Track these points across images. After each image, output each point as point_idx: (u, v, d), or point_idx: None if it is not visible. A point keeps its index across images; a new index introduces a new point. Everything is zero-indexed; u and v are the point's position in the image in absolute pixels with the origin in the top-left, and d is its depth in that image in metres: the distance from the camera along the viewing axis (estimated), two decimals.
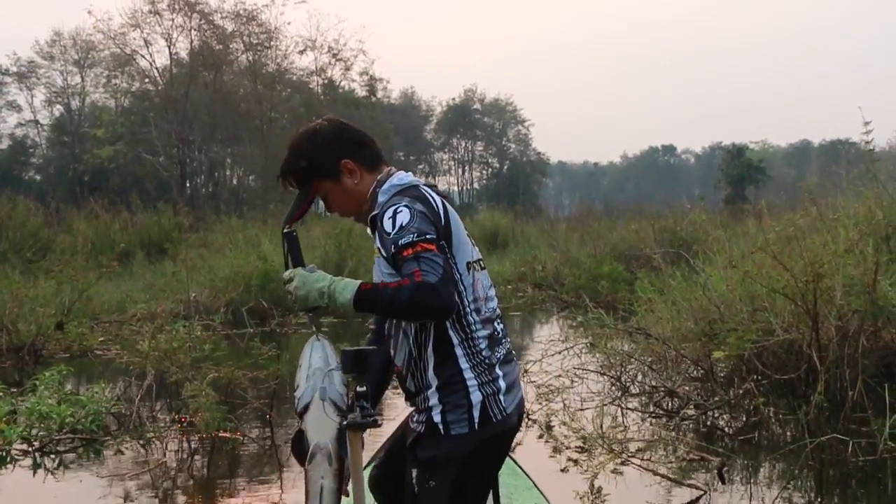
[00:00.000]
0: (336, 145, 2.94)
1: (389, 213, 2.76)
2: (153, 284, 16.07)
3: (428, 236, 2.68)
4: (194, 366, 7.90)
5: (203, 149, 46.03)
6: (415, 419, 2.81)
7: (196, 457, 7.05)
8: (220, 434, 7.21)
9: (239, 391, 7.96)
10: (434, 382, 2.75)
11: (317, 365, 2.47)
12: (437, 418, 2.75)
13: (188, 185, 46.15)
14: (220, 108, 44.14)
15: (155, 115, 43.36)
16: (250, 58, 45.99)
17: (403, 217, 2.73)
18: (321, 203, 2.98)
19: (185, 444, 7.26)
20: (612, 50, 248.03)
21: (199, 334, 9.65)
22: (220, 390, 7.74)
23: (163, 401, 8.48)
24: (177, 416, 7.71)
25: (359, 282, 2.68)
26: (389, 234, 2.71)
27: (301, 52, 47.65)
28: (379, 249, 2.77)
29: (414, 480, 2.74)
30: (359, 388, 2.38)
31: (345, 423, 2.35)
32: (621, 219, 25.51)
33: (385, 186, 2.89)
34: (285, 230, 2.92)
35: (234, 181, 52.31)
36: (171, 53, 44.78)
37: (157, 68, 45.10)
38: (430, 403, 2.75)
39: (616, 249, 20.26)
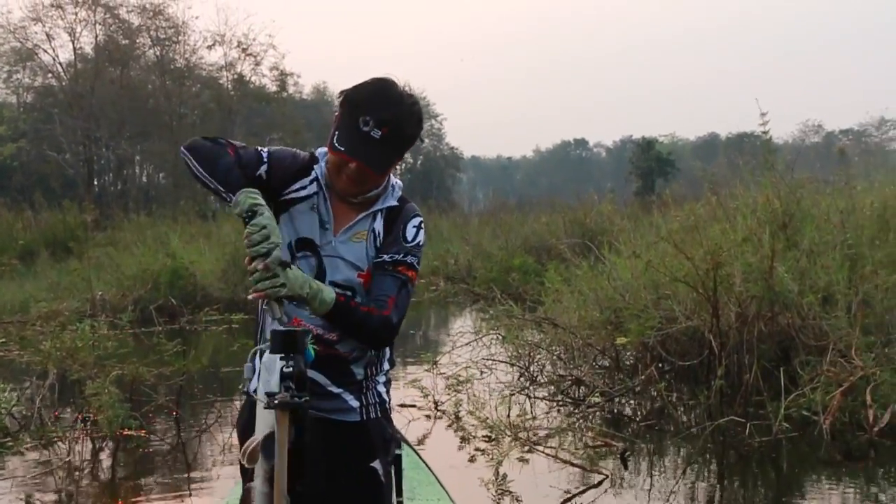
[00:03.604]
0: None
1: (417, 222, 2.67)
2: (58, 284, 15.69)
3: (419, 266, 2.67)
4: (97, 364, 7.73)
5: (111, 146, 44.99)
6: (352, 407, 2.65)
7: (101, 456, 6.91)
8: (125, 433, 7.08)
9: (144, 389, 7.83)
10: (386, 367, 2.74)
11: (265, 359, 2.42)
12: (387, 400, 2.74)
13: (96, 182, 45.10)
14: (127, 105, 43.17)
15: (59, 111, 42.27)
16: (158, 53, 45.15)
17: (423, 237, 2.68)
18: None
19: (90, 444, 7.11)
20: (524, 44, 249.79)
21: (105, 332, 9.46)
22: (125, 388, 7.61)
23: (66, 400, 8.30)
24: (80, 416, 7.53)
25: (333, 290, 2.52)
26: (409, 242, 2.62)
27: (210, 47, 46.94)
28: (376, 239, 2.62)
29: (381, 473, 2.67)
30: (285, 369, 2.34)
31: (275, 402, 2.31)
32: (533, 212, 25.79)
33: (394, 180, 2.72)
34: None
35: (144, 178, 51.27)
36: (74, 48, 43.68)
37: (60, 63, 43.96)
38: (379, 388, 2.70)
39: (527, 242, 20.49)
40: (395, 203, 2.66)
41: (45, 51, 43.43)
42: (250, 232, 2.36)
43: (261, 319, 2.69)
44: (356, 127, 2.45)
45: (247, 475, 2.63)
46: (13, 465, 6.74)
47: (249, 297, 2.44)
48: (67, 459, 6.78)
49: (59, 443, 7.13)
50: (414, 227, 2.65)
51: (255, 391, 2.56)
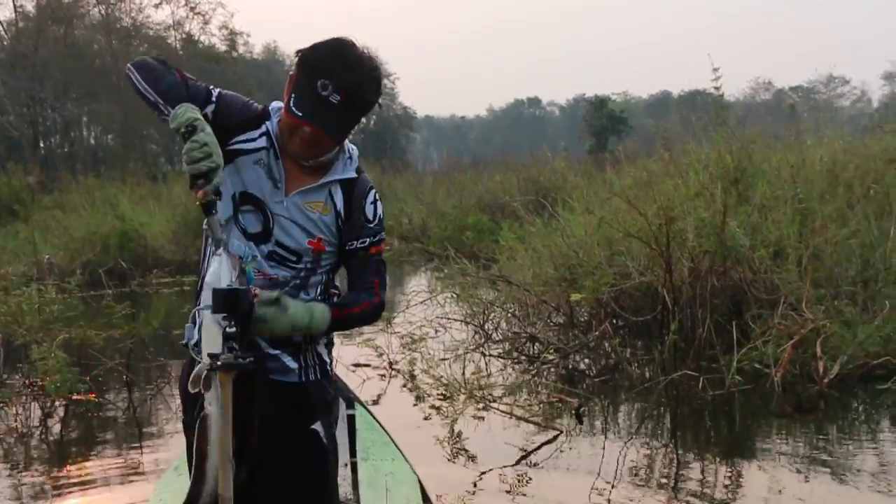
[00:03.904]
0: None
1: (373, 196, 2.59)
2: (3, 248, 15.37)
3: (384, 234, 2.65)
4: (44, 328, 7.57)
5: (56, 107, 44.05)
6: (291, 368, 2.57)
7: (49, 422, 6.78)
8: (74, 397, 6.95)
9: (93, 352, 7.69)
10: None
11: (208, 280, 2.30)
12: (328, 361, 2.66)
13: (42, 145, 44.18)
14: (72, 65, 42.28)
15: (2, 71, 41.25)
16: (103, 11, 44.17)
17: (381, 207, 2.62)
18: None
19: (37, 410, 6.97)
20: (477, 1, 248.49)
21: (53, 296, 9.27)
22: (73, 352, 7.47)
23: (12, 366, 8.13)
24: (27, 381, 7.39)
25: (327, 309, 2.47)
26: (371, 221, 2.57)
27: (157, 6, 45.86)
28: (338, 217, 2.52)
29: (322, 435, 2.59)
30: (228, 329, 2.24)
31: (218, 363, 2.22)
32: (487, 171, 25.73)
33: (349, 146, 2.60)
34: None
35: (92, 140, 50.32)
36: (15, 6, 42.49)
37: (0, 22, 42.89)
38: (319, 349, 2.62)
39: (481, 201, 20.45)
40: (353, 175, 2.57)
41: None
42: (190, 148, 2.23)
43: (202, 274, 2.59)
44: (314, 90, 2.35)
45: (191, 415, 2.57)
46: None
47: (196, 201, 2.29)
48: (14, 425, 6.65)
49: (6, 408, 6.98)
50: (371, 203, 2.57)
51: (195, 345, 2.49)
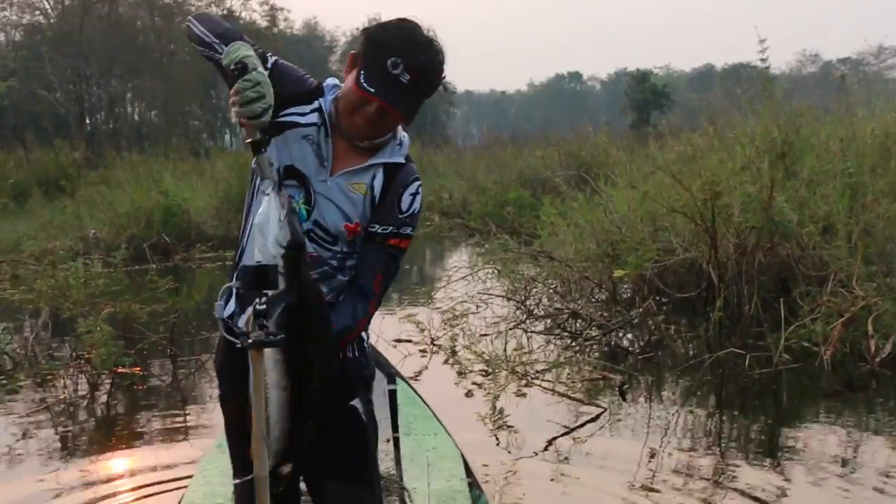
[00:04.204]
0: None
1: (415, 188, 2.51)
2: (50, 222, 15.52)
3: (414, 232, 2.55)
4: (89, 302, 7.62)
5: (101, 84, 44.46)
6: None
7: (96, 394, 6.83)
8: (119, 370, 7.00)
9: (137, 326, 7.73)
10: None
11: (256, 221, 2.23)
12: (365, 338, 2.64)
13: (87, 121, 44.61)
14: (116, 42, 42.60)
15: (48, 49, 41.63)
16: None
17: (419, 203, 2.54)
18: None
19: (84, 382, 7.02)
20: None
21: (99, 270, 9.34)
22: (118, 326, 7.51)
23: (60, 339, 8.21)
24: (74, 354, 7.45)
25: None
26: (403, 212, 2.48)
27: None
28: (374, 199, 2.46)
29: (361, 411, 2.58)
30: (258, 306, 2.20)
31: (248, 341, 2.18)
32: (528, 146, 25.54)
33: (402, 134, 2.56)
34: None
35: (136, 116, 50.73)
36: None
37: (47, 0, 43.23)
38: None
39: (522, 176, 20.29)
40: (401, 160, 2.51)
41: None
42: (243, 87, 2.16)
43: (239, 247, 2.54)
44: (384, 69, 2.30)
45: (227, 390, 2.58)
46: (9, 404, 6.67)
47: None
48: (62, 397, 6.71)
49: (54, 381, 7.05)
50: (411, 194, 2.50)
51: (227, 318, 2.45)
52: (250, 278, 2.17)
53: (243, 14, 46.05)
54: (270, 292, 2.15)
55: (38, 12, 44.15)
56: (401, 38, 2.33)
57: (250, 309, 2.14)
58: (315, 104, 2.45)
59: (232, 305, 2.46)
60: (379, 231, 2.46)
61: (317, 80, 2.52)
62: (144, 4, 44.35)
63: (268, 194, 2.20)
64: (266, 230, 2.16)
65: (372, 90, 2.30)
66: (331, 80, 2.51)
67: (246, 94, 2.15)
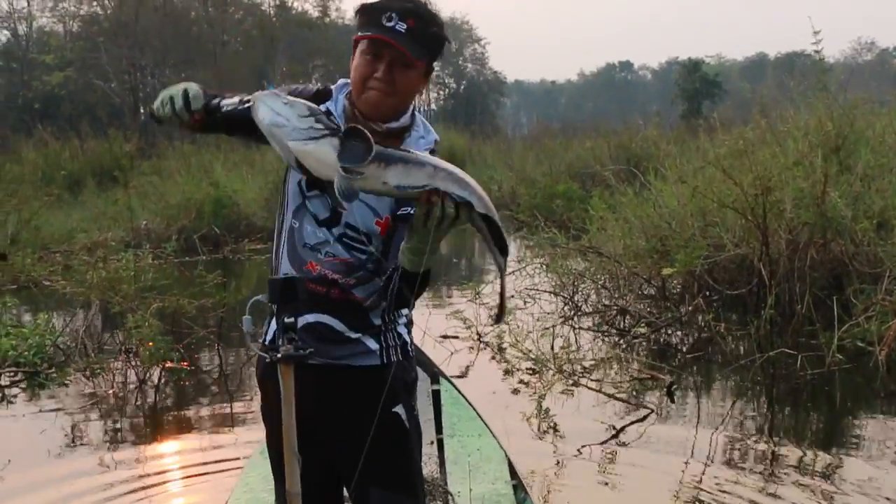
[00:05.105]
0: None
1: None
2: (104, 213, 15.71)
3: None
4: (138, 296, 7.67)
5: (156, 74, 44.93)
6: (372, 350, 2.48)
7: (144, 387, 6.87)
8: (167, 365, 7.03)
9: (185, 321, 7.76)
10: (405, 311, 2.56)
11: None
12: (409, 341, 2.58)
13: (142, 111, 45.13)
14: (170, 32, 43.02)
15: (105, 39, 42.14)
16: None
17: None
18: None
19: (132, 376, 7.07)
20: None
21: (150, 261, 9.41)
22: (166, 320, 7.55)
23: (109, 332, 8.28)
24: (123, 348, 7.50)
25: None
26: None
27: None
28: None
29: (405, 418, 2.52)
30: (287, 319, 2.17)
31: (277, 356, 2.15)
32: (577, 137, 25.35)
33: (420, 118, 2.51)
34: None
35: None
36: None
37: None
38: (400, 329, 2.54)
39: (572, 168, 20.14)
40: (431, 147, 2.44)
41: None
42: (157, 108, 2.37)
43: (274, 248, 2.50)
44: (380, 24, 2.28)
45: (266, 402, 2.55)
46: (59, 396, 6.75)
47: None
48: (111, 391, 6.77)
49: (103, 374, 7.10)
50: None
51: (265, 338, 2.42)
52: (278, 291, 2.14)
53: (296, 4, 46.26)
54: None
55: (95, 3, 44.71)
56: None
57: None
58: (322, 108, 2.40)
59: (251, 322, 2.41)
60: (411, 211, 2.34)
61: (322, 85, 2.50)
62: None
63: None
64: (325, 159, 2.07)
65: (370, 32, 2.29)
66: (340, 81, 2.48)
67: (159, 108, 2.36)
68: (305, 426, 2.29)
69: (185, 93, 2.34)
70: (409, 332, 2.61)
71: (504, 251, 2.29)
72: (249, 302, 2.33)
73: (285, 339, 2.15)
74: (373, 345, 2.48)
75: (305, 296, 2.23)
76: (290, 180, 2.44)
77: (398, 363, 2.53)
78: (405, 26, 2.28)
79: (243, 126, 2.31)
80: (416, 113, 2.48)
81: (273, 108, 2.08)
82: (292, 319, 2.17)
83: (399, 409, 2.52)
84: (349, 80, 2.42)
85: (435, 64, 2.45)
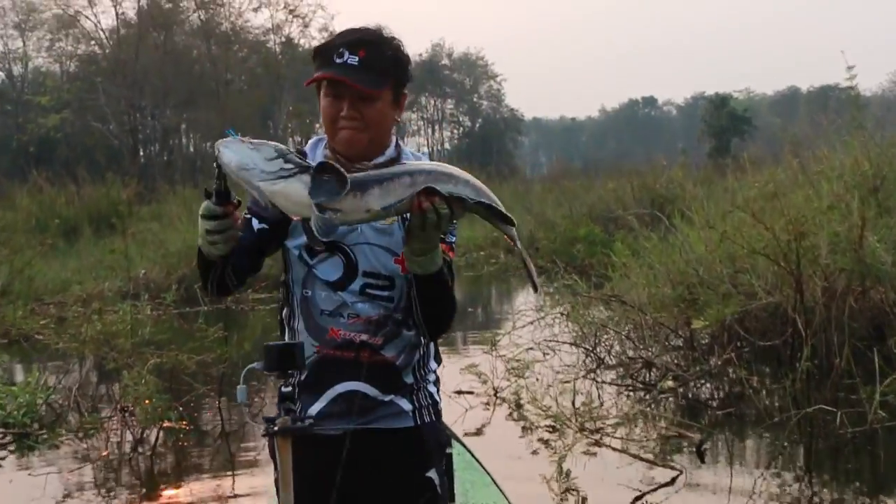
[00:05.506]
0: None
1: None
2: (100, 262, 15.75)
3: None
4: (135, 351, 7.66)
5: (155, 115, 45.40)
6: (405, 411, 2.49)
7: (140, 449, 6.84)
8: (165, 425, 7.00)
9: (185, 377, 7.73)
10: (434, 366, 2.61)
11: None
12: (439, 401, 2.61)
13: (141, 153, 45.52)
14: (171, 71, 43.48)
15: (103, 79, 42.67)
16: (202, 16, 45.39)
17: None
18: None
19: (128, 437, 7.04)
20: None
21: (148, 313, 9.42)
22: (164, 376, 7.53)
23: (104, 389, 8.27)
24: (118, 407, 7.48)
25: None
26: None
27: (256, 10, 47.29)
28: (404, 220, 2.40)
29: (437, 483, 2.54)
30: (283, 389, 2.16)
31: (274, 428, 2.14)
32: (599, 177, 25.43)
33: (408, 148, 2.57)
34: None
35: (191, 148, 51.63)
36: (117, 13, 44.15)
37: (102, 30, 44.47)
38: (430, 389, 2.58)
39: (593, 210, 20.15)
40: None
41: (87, 17, 43.97)
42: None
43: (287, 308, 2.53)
44: (332, 62, 2.35)
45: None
46: (50, 458, 6.73)
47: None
48: (105, 453, 6.74)
49: (97, 435, 7.08)
50: None
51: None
52: (275, 359, 2.13)
53: (302, 41, 46.71)
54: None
55: (93, 42, 45.31)
56: (339, 35, 2.42)
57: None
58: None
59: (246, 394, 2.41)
60: None
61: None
62: (201, 33, 45.27)
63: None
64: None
65: (323, 71, 2.35)
66: (313, 139, 2.56)
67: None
68: (336, 497, 2.29)
69: (206, 208, 2.34)
70: (438, 392, 2.63)
71: (510, 222, 2.29)
72: (244, 371, 2.31)
73: (282, 409, 2.13)
74: (406, 405, 2.50)
75: (333, 367, 2.29)
76: (290, 248, 2.46)
77: (431, 423, 2.56)
78: (356, 59, 2.34)
79: (269, 235, 2.44)
80: (400, 142, 2.53)
81: (237, 152, 2.11)
82: (290, 389, 2.16)
83: (432, 473, 2.55)
84: (320, 136, 2.49)
85: (406, 86, 2.48)
